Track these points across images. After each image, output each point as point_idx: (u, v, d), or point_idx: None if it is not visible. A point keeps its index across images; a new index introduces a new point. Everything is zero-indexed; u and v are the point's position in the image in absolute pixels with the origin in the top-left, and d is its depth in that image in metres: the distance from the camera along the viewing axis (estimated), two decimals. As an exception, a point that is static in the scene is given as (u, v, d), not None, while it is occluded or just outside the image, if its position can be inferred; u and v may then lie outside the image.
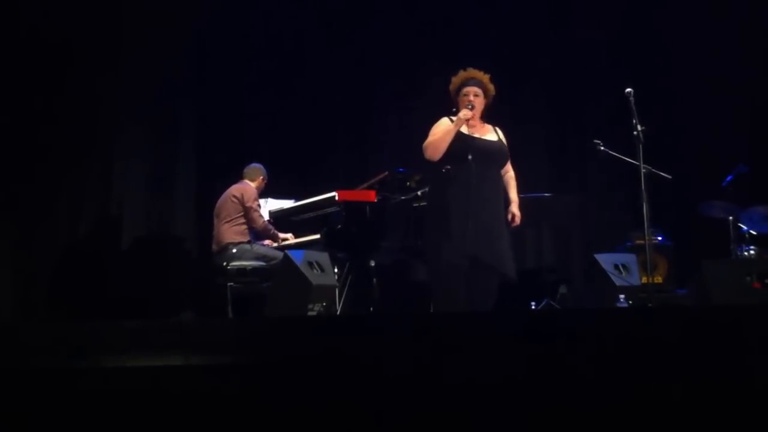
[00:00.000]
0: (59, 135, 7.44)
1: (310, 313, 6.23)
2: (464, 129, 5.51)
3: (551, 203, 7.89)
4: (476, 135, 5.55)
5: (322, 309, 6.31)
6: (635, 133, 5.96)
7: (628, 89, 6.03)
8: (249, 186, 7.46)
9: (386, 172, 7.09)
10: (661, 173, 6.62)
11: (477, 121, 5.63)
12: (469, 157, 5.34)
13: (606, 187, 8.79)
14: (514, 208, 5.65)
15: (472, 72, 5.67)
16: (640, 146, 5.97)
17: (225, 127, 8.59)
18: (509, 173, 5.77)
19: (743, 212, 7.67)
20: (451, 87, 5.69)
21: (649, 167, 6.17)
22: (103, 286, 7.47)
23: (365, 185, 7.12)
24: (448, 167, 5.43)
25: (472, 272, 5.29)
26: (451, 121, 5.55)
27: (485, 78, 5.66)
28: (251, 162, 7.69)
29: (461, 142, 5.43)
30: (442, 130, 5.53)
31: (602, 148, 6.89)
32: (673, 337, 2.96)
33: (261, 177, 7.59)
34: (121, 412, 2.68)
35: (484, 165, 5.45)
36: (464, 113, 5.47)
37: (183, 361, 2.83)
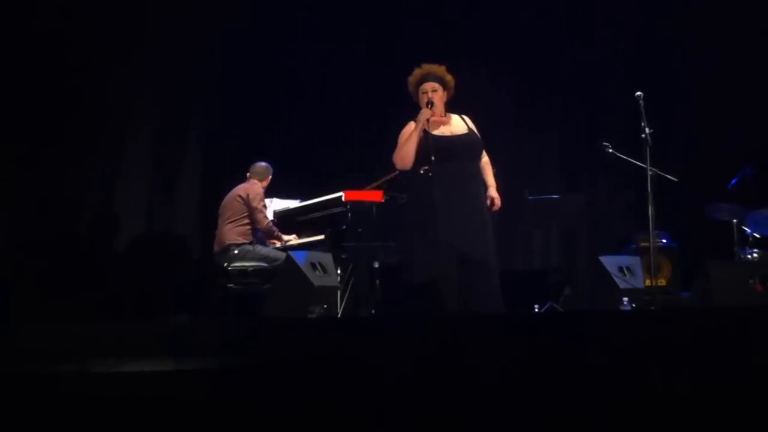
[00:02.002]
0: (62, 132, 7.45)
1: (310, 315, 6.21)
2: (429, 128, 5.37)
3: (559, 205, 7.89)
4: (443, 132, 5.42)
5: (323, 311, 6.29)
6: (644, 135, 5.94)
7: (638, 92, 6.02)
8: (256, 185, 7.42)
9: (395, 172, 7.07)
10: (667, 175, 6.61)
11: (441, 116, 5.50)
12: (432, 157, 5.20)
13: (612, 189, 8.78)
14: (492, 192, 5.49)
15: (427, 67, 5.53)
16: (648, 149, 5.96)
17: (231, 126, 8.60)
18: (484, 159, 5.58)
19: (748, 215, 7.64)
20: (410, 87, 5.56)
21: (656, 169, 6.16)
22: (102, 285, 7.48)
23: (373, 185, 7.10)
24: (426, 168, 5.29)
25: (462, 272, 5.18)
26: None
27: (441, 70, 5.52)
28: (256, 161, 7.68)
29: (430, 143, 5.29)
30: (406, 136, 5.41)
31: (610, 150, 6.88)
32: (677, 339, 2.96)
33: (267, 175, 7.57)
34: (116, 417, 2.69)
35: (458, 160, 5.32)
36: (423, 113, 5.34)
37: (176, 365, 2.83)
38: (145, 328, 3.09)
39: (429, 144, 5.29)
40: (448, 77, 5.53)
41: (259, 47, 8.68)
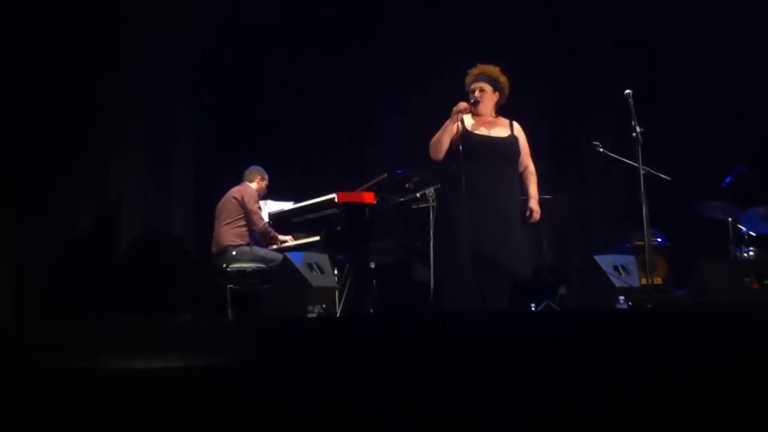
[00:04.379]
0: (59, 135, 7.41)
1: (309, 315, 6.21)
2: (470, 126, 5.44)
3: (551, 205, 7.88)
4: (480, 131, 5.45)
5: (321, 311, 6.29)
6: (634, 134, 5.93)
7: (627, 90, 6.01)
8: (249, 188, 7.46)
9: (384, 174, 7.07)
10: (660, 174, 6.60)
11: (487, 116, 5.53)
12: (460, 147, 5.26)
13: (605, 189, 8.77)
14: (532, 203, 5.52)
15: (481, 67, 5.59)
16: (639, 147, 5.95)
17: (224, 129, 8.57)
18: (528, 168, 5.62)
19: (742, 213, 7.65)
20: (466, 86, 5.60)
21: (648, 168, 6.15)
22: (101, 287, 7.45)
23: (364, 187, 7.10)
24: (456, 167, 5.31)
25: (479, 271, 5.19)
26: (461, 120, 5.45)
27: (495, 71, 5.57)
28: (249, 163, 7.70)
29: (463, 139, 5.33)
30: (442, 128, 5.43)
31: (601, 149, 6.88)
32: (672, 337, 2.96)
33: (261, 179, 7.60)
34: (119, 413, 2.68)
35: (489, 161, 5.34)
36: (457, 107, 5.37)
37: (182, 362, 2.82)
38: (153, 326, 3.08)
39: (466, 141, 5.34)
40: (502, 79, 5.59)
41: (248, 49, 8.64)
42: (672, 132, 8.17)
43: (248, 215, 7.26)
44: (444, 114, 5.51)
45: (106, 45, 7.81)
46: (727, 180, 7.74)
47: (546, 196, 7.83)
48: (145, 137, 8.20)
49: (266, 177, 7.65)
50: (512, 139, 5.52)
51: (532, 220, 5.51)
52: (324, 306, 6.38)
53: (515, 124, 5.61)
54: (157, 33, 8.12)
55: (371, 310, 6.91)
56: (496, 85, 5.55)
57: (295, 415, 2.73)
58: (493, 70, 5.58)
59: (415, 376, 2.80)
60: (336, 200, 6.90)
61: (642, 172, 5.94)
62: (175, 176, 8.35)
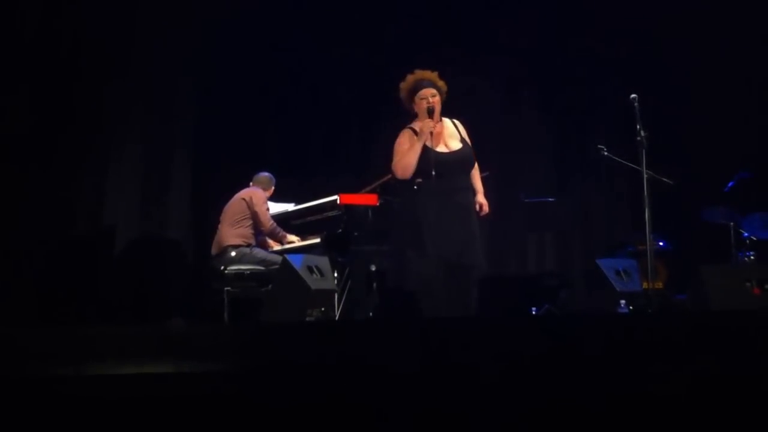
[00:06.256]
0: (56, 137, 7.41)
1: (308, 319, 6.19)
2: (427, 141, 5.42)
3: (554, 208, 7.88)
4: (439, 148, 5.47)
5: (320, 314, 6.27)
6: (638, 138, 5.93)
7: (633, 95, 6.01)
8: (259, 191, 7.45)
9: (389, 175, 7.06)
10: (663, 179, 6.60)
11: (437, 124, 5.53)
12: (433, 172, 5.26)
13: (608, 192, 8.78)
14: (480, 197, 5.58)
15: (420, 73, 5.56)
16: (643, 152, 5.95)
17: (223, 130, 8.56)
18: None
19: (744, 218, 7.66)
20: (402, 93, 5.60)
21: (652, 172, 6.16)
22: (98, 291, 7.43)
23: (368, 188, 7.10)
24: (419, 180, 5.36)
25: (448, 279, 5.27)
26: (414, 132, 5.47)
27: (435, 76, 5.55)
28: (250, 165, 7.71)
29: (427, 157, 5.35)
30: (407, 146, 5.44)
31: (605, 153, 6.88)
32: (673, 341, 2.96)
33: (270, 185, 7.59)
34: (108, 421, 2.67)
35: (453, 176, 5.40)
36: (427, 125, 5.39)
37: (174, 368, 2.81)
38: (144, 332, 3.07)
39: (431, 159, 5.33)
40: (441, 83, 5.59)
41: (251, 50, 8.64)
42: (676, 137, 8.18)
43: (256, 216, 7.23)
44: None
45: (107, 46, 7.81)
46: (730, 185, 7.75)
47: (549, 199, 7.86)
48: (145, 137, 8.18)
49: (273, 184, 7.64)
50: (467, 148, 5.56)
51: (483, 214, 5.56)
52: (323, 309, 6.36)
53: (459, 125, 5.65)
54: (159, 33, 8.11)
55: (370, 314, 6.89)
56: (440, 91, 5.55)
57: (293, 422, 2.73)
58: (432, 75, 5.57)
59: (415, 381, 2.79)
60: (338, 202, 6.89)
61: (645, 176, 5.94)
62: (175, 178, 8.34)
